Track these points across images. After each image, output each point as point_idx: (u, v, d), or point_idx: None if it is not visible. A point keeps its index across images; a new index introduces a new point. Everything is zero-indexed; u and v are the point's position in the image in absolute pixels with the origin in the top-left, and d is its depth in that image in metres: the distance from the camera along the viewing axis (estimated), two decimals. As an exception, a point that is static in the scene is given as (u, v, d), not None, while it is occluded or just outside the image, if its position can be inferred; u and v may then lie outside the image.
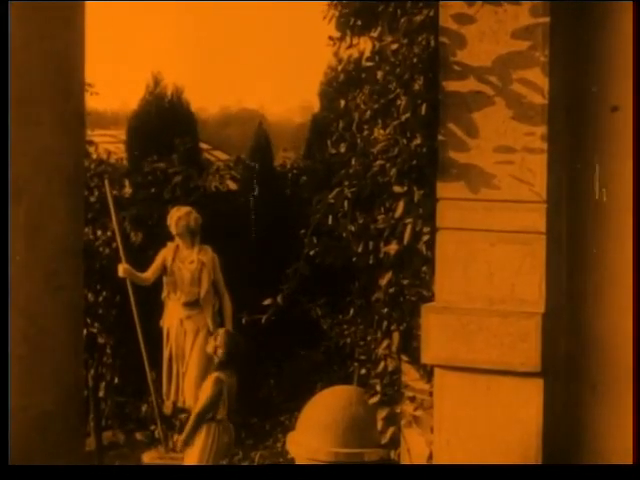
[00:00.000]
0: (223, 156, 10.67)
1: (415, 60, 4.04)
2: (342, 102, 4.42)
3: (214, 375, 5.71)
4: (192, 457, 5.70)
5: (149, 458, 6.83)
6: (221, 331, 5.89)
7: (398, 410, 4.32)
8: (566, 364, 3.99)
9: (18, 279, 5.79)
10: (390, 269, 4.24)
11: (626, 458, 3.75)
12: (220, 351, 5.69)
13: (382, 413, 4.38)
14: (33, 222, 6.03)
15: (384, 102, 4.16)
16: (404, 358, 4.28)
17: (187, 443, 5.74)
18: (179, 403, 6.79)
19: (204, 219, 6.95)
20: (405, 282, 4.23)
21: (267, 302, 4.47)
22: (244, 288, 6.72)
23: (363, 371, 4.80)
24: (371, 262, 4.30)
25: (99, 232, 7.71)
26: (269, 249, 8.04)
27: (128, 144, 9.66)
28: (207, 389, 5.69)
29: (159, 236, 7.22)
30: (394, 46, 4.08)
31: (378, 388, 4.41)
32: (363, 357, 4.84)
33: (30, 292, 5.99)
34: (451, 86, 3.94)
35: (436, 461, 4.03)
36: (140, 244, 7.82)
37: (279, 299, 4.43)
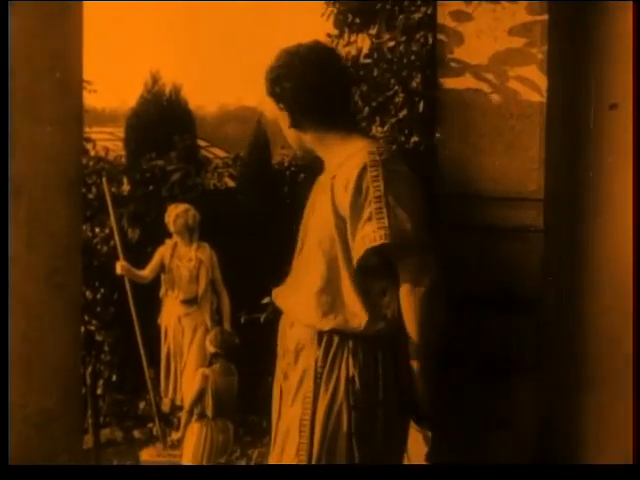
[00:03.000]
0: (221, 153, 10.66)
1: (413, 57, 4.03)
2: (340, 100, 4.39)
3: (200, 370, 5.80)
4: (186, 455, 5.72)
5: (147, 455, 6.82)
6: (214, 330, 5.93)
7: (396, 408, 4.31)
8: (565, 363, 3.98)
9: (18, 277, 5.78)
10: (388, 266, 4.21)
11: (626, 458, 3.74)
12: (212, 349, 5.72)
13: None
14: (32, 220, 6.03)
15: (382, 100, 4.15)
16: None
17: (181, 439, 5.78)
18: (177, 401, 6.79)
19: (202, 217, 6.94)
20: (403, 279, 4.21)
21: (266, 300, 4.45)
22: (242, 286, 6.71)
23: (361, 369, 4.77)
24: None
25: (97, 229, 7.70)
26: (267, 247, 8.03)
27: (126, 141, 9.66)
28: (193, 384, 5.78)
29: (157, 234, 7.22)
30: (392, 43, 4.07)
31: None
32: (361, 355, 4.81)
33: (30, 290, 5.98)
34: (448, 83, 3.93)
35: (434, 460, 4.02)
36: (138, 241, 7.81)
37: (278, 298, 4.40)
